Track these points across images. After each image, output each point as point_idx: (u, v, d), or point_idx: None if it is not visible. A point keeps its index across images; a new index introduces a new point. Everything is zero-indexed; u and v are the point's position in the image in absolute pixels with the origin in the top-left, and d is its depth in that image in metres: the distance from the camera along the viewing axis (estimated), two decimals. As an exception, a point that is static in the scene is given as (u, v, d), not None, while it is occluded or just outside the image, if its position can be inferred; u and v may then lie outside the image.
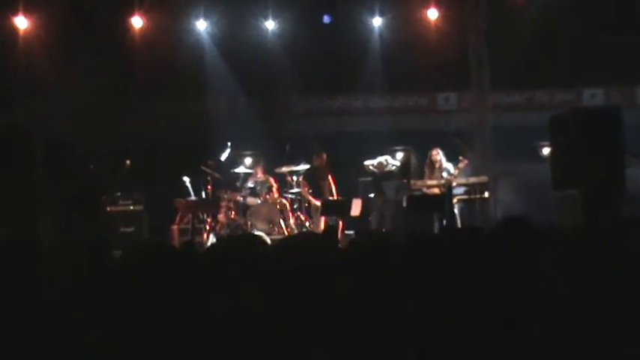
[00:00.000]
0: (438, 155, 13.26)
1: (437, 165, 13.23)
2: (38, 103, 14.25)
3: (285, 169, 13.59)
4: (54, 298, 3.05)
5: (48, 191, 11.28)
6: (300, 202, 13.51)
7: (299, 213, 13.41)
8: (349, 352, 2.79)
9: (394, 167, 13.59)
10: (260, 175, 13.54)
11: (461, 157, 13.27)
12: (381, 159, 13.59)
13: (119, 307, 2.99)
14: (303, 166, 13.53)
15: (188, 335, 2.62)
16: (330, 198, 13.53)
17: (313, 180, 13.68)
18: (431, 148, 13.45)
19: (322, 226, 13.00)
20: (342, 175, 13.98)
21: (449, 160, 13.24)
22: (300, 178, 13.53)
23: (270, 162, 13.86)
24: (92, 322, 2.85)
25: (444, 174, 13.08)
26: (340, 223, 13.12)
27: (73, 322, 2.83)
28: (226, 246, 4.40)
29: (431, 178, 13.17)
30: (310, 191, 13.59)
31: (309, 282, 3.01)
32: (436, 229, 12.01)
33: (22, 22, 14.58)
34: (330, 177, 13.76)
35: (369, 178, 13.74)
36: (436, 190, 13.07)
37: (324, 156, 13.79)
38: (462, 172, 13.08)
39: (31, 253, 5.45)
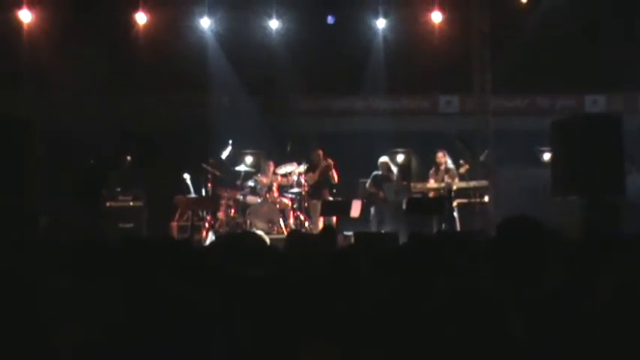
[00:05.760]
0: (444, 158, 13.28)
1: (442, 167, 13.25)
2: (42, 96, 14.26)
3: (286, 168, 13.57)
4: (52, 287, 3.04)
5: (49, 182, 11.29)
6: (300, 201, 13.50)
7: (299, 213, 13.40)
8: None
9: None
10: (271, 176, 13.46)
11: (462, 162, 13.29)
12: (384, 158, 13.61)
13: (115, 296, 2.99)
14: (305, 166, 13.51)
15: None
16: (331, 198, 13.51)
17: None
18: (433, 150, 13.45)
19: (320, 225, 12.89)
20: (342, 175, 13.96)
21: (453, 163, 13.26)
22: (302, 177, 13.49)
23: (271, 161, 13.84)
24: (89, 312, 2.85)
25: (448, 177, 13.09)
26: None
27: (69, 312, 2.83)
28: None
29: (436, 181, 13.17)
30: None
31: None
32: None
33: (26, 16, 14.61)
34: (323, 173, 13.59)
35: (369, 180, 13.73)
36: (436, 194, 13.08)
37: (320, 152, 13.65)
38: (464, 176, 13.12)
39: (30, 245, 5.46)
